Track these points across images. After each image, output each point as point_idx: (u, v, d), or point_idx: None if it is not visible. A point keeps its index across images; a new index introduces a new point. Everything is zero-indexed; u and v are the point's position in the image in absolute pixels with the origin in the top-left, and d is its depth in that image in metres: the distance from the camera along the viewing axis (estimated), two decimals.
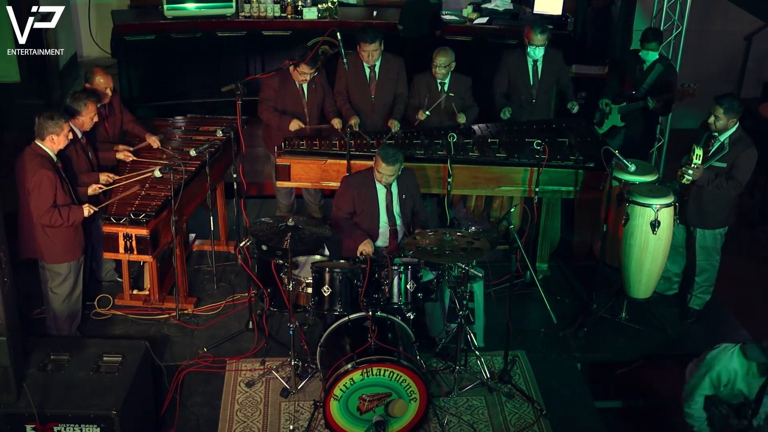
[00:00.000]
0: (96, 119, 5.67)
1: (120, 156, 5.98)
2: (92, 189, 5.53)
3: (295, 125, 6.38)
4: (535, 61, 6.71)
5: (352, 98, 6.67)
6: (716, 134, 5.64)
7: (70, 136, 5.29)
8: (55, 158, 5.24)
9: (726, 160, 5.62)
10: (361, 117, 6.60)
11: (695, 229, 5.91)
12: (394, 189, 5.54)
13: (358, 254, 5.32)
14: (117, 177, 5.72)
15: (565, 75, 6.97)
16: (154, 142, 6.19)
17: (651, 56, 6.85)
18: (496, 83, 6.82)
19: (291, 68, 6.43)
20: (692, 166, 5.50)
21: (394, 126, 6.45)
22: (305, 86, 6.52)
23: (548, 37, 6.63)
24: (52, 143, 5.19)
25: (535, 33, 6.58)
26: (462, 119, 6.48)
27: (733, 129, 5.61)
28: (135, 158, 5.99)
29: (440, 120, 6.64)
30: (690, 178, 5.53)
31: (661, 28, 7.61)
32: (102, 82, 5.99)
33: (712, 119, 5.59)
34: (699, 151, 5.51)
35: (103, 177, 5.66)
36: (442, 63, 6.48)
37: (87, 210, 5.32)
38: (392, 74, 6.68)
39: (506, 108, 6.64)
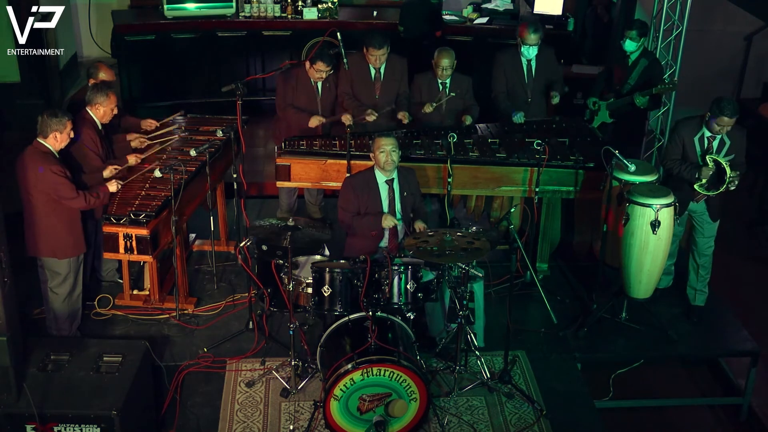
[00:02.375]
0: (116, 110, 5.71)
1: (135, 144, 6.04)
2: (109, 170, 5.59)
3: (315, 122, 6.43)
4: (528, 60, 6.70)
5: (355, 98, 6.68)
6: (709, 134, 5.68)
7: (72, 134, 5.30)
8: (57, 155, 5.25)
9: (732, 152, 5.71)
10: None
11: (704, 222, 5.95)
12: (396, 186, 5.55)
13: (384, 227, 5.44)
14: (143, 156, 5.85)
15: (557, 73, 6.95)
16: (150, 125, 6.28)
17: (629, 45, 6.78)
18: (495, 84, 6.82)
19: (307, 66, 6.45)
20: (735, 174, 5.58)
21: (406, 117, 6.50)
22: (320, 84, 6.54)
23: (541, 37, 6.62)
24: (55, 141, 5.20)
25: (528, 32, 6.57)
26: (468, 121, 6.50)
27: None
28: (150, 141, 6.11)
29: (442, 119, 6.65)
30: (736, 185, 5.64)
31: (661, 28, 7.61)
32: (105, 77, 6.02)
33: (720, 129, 5.60)
34: (722, 159, 5.61)
35: (132, 159, 5.77)
36: (447, 65, 6.48)
37: (115, 186, 5.44)
38: (396, 75, 6.70)
39: (519, 112, 6.61)
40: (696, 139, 5.74)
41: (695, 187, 5.73)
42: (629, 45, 6.74)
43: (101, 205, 5.42)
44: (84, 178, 5.47)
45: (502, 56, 6.84)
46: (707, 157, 5.65)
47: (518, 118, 6.61)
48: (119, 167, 5.65)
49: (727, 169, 5.58)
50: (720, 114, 5.52)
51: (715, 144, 5.69)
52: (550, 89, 6.81)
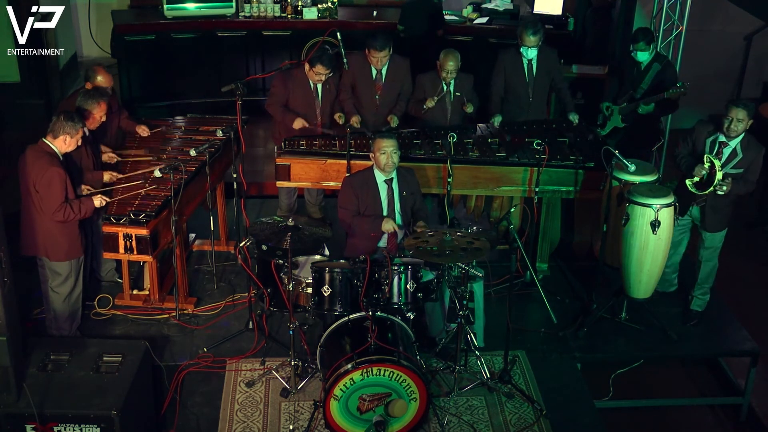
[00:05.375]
0: (104, 118, 5.70)
1: (106, 178, 5.76)
2: (108, 176, 5.60)
3: (299, 123, 6.39)
4: (529, 60, 6.70)
5: (356, 97, 6.68)
6: (724, 140, 5.58)
7: (80, 142, 5.30)
8: (61, 157, 5.25)
9: (741, 166, 5.60)
10: (365, 116, 6.61)
11: (703, 231, 5.89)
12: (395, 186, 5.55)
13: (384, 230, 5.43)
14: (120, 176, 5.75)
15: (560, 74, 6.95)
16: (144, 131, 6.23)
17: (642, 56, 6.81)
18: (494, 83, 6.83)
19: (306, 68, 6.43)
20: (726, 181, 5.45)
21: (393, 121, 6.49)
22: (320, 86, 6.53)
23: (541, 38, 6.62)
24: (64, 144, 5.20)
25: (527, 34, 6.57)
26: (470, 109, 6.54)
27: (743, 134, 5.57)
28: (121, 175, 5.84)
29: (445, 115, 6.64)
30: (725, 191, 5.49)
31: (661, 28, 7.61)
32: (103, 80, 6.01)
33: (731, 124, 5.49)
34: (717, 162, 5.49)
35: (107, 176, 5.69)
36: (452, 68, 6.47)
37: (99, 201, 5.37)
38: (399, 76, 6.69)
39: (497, 116, 6.67)
40: (708, 141, 5.67)
41: (686, 182, 5.66)
42: (642, 56, 6.77)
43: (83, 218, 5.35)
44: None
45: (503, 56, 6.84)
46: (705, 155, 5.57)
47: (495, 121, 6.65)
48: (91, 188, 5.54)
49: (718, 173, 5.45)
50: (734, 106, 5.45)
51: (726, 151, 5.59)
52: (564, 104, 6.84)
